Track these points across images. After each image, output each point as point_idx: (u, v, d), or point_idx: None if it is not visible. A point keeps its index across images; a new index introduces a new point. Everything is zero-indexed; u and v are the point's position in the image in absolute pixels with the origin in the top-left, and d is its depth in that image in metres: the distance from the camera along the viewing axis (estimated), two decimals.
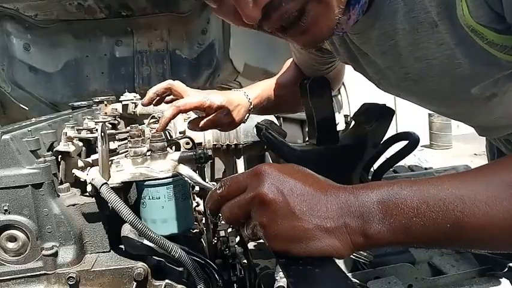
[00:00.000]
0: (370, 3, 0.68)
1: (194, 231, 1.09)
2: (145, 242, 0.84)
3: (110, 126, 1.24)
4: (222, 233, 1.12)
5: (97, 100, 1.48)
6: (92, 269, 0.84)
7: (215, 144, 1.39)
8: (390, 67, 0.78)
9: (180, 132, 1.27)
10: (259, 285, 0.90)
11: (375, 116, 1.02)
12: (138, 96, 1.51)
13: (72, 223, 0.85)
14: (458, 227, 0.46)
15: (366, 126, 1.02)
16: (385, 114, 1.02)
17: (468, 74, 0.67)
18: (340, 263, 0.86)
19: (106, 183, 0.83)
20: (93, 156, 0.98)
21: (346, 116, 2.56)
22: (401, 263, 0.88)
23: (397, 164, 1.18)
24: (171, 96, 1.01)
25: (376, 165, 1.12)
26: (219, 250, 1.11)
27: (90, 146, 1.04)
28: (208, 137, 1.38)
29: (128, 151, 0.93)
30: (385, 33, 0.71)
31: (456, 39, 0.63)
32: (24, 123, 1.00)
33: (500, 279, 0.89)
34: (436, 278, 0.90)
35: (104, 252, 0.89)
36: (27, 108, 2.11)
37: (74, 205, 0.87)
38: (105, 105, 1.47)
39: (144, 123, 1.30)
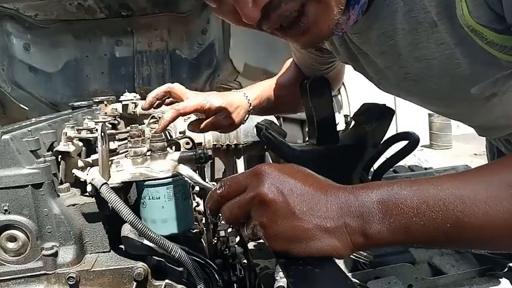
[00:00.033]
0: (370, 3, 0.68)
1: (194, 231, 1.09)
2: (145, 242, 0.84)
3: (110, 126, 1.24)
4: (222, 233, 1.12)
5: (97, 100, 1.48)
6: (92, 269, 0.84)
7: (215, 144, 1.39)
8: (390, 67, 0.78)
9: (180, 133, 1.27)
10: (259, 285, 0.90)
11: (375, 116, 1.02)
12: (138, 96, 1.51)
13: (72, 223, 0.85)
14: (458, 227, 0.46)
15: (366, 126, 1.02)
16: (385, 114, 1.02)
17: (468, 73, 0.67)
18: (340, 263, 0.86)
19: (106, 183, 0.83)
20: (93, 156, 0.98)
21: (346, 116, 2.56)
22: (401, 263, 0.88)
23: (397, 164, 1.18)
24: (171, 99, 1.01)
25: (376, 165, 1.12)
26: (219, 250, 1.11)
27: (90, 146, 1.04)
28: (208, 137, 1.39)
29: (127, 151, 0.93)
30: (385, 33, 0.71)
31: (456, 39, 0.63)
32: (24, 123, 1.00)
33: (500, 279, 0.89)
34: (436, 278, 0.90)
35: (104, 252, 0.89)
36: (27, 108, 2.11)
37: (74, 205, 0.87)
38: (105, 105, 1.47)
39: (144, 123, 1.31)
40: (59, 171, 0.92)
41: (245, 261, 1.02)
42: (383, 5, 0.67)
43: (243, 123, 1.08)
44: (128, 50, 2.14)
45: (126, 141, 1.05)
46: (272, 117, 1.48)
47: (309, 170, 0.56)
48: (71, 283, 0.82)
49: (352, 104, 2.62)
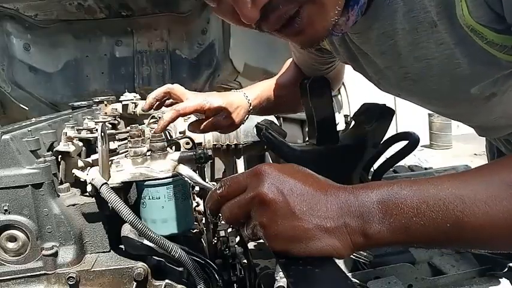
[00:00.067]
0: (370, 3, 0.68)
1: (194, 231, 1.09)
2: (145, 242, 0.84)
3: (110, 126, 1.24)
4: (222, 233, 1.12)
5: (97, 100, 1.48)
6: (92, 269, 0.84)
7: (215, 144, 1.39)
8: (390, 67, 0.78)
9: (180, 133, 1.27)
10: (259, 285, 0.90)
11: (375, 116, 1.02)
12: (138, 96, 1.51)
13: (72, 223, 0.85)
14: (458, 227, 0.46)
15: (366, 126, 1.02)
16: (385, 114, 1.02)
17: (467, 73, 0.67)
18: (340, 263, 0.86)
19: (106, 183, 0.83)
20: (93, 156, 0.98)
21: (346, 116, 2.56)
22: (401, 263, 0.88)
23: (397, 164, 1.18)
24: (171, 100, 1.01)
25: (376, 165, 1.12)
26: (219, 250, 1.11)
27: (90, 146, 1.04)
28: (208, 137, 1.38)
29: (128, 151, 0.93)
30: (385, 33, 0.71)
31: (456, 39, 0.63)
32: (24, 123, 1.00)
33: (500, 279, 0.89)
34: (436, 278, 0.90)
35: (104, 252, 0.89)
36: (27, 108, 2.11)
37: (74, 205, 0.87)
38: (105, 105, 1.47)
39: (144, 123, 1.31)
40: (59, 171, 0.92)
41: (245, 261, 1.02)
42: (383, 5, 0.67)
43: (243, 123, 1.08)
44: (128, 50, 2.14)
45: (126, 141, 1.05)
46: (272, 117, 1.48)
47: (309, 170, 0.56)
48: (71, 283, 0.82)
49: (352, 104, 2.62)
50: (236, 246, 1.08)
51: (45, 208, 0.83)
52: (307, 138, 1.12)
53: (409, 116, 5.55)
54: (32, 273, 0.83)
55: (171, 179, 0.88)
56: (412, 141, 1.02)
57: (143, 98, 1.33)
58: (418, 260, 0.93)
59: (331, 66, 1.09)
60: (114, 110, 1.46)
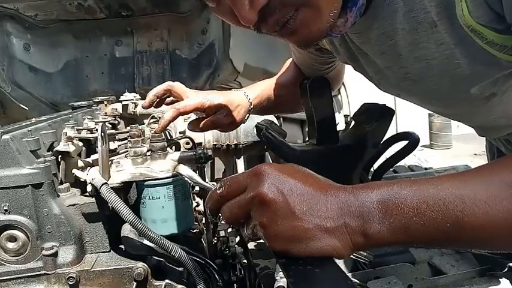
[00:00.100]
0: (369, 3, 0.68)
1: (194, 231, 1.09)
2: (145, 242, 0.84)
3: (110, 126, 1.24)
4: (222, 233, 1.12)
5: (97, 100, 1.48)
6: (92, 269, 0.84)
7: (215, 144, 1.39)
8: (390, 67, 0.78)
9: (180, 132, 1.27)
10: (259, 285, 0.90)
11: (375, 116, 1.02)
12: (138, 96, 1.51)
13: (72, 223, 0.85)
14: (458, 227, 0.46)
15: (366, 126, 1.02)
16: (385, 114, 1.02)
17: (467, 73, 0.67)
18: (340, 263, 0.86)
19: (106, 183, 0.83)
20: (93, 156, 0.98)
21: (346, 116, 2.56)
22: (401, 263, 0.88)
23: (397, 164, 1.18)
24: (171, 98, 1.01)
25: (376, 165, 1.12)
26: (219, 250, 1.11)
27: (90, 146, 1.04)
28: (208, 137, 1.38)
29: (128, 151, 0.93)
30: (385, 33, 0.71)
31: (456, 39, 0.63)
32: (24, 123, 1.00)
33: (500, 279, 0.89)
34: (436, 278, 0.90)
35: (104, 252, 0.89)
36: (27, 108, 2.11)
37: (74, 205, 0.87)
38: (105, 105, 1.47)
39: (144, 123, 1.30)
40: (59, 171, 0.92)
41: (245, 261, 1.02)
42: (383, 5, 0.67)
43: (244, 122, 1.08)
44: (128, 50, 2.14)
45: (126, 141, 1.05)
46: (272, 117, 1.48)
47: (309, 170, 0.56)
48: (71, 283, 0.82)
49: (352, 104, 2.62)
50: (236, 246, 1.08)
51: (45, 208, 0.83)
52: (307, 138, 1.12)
53: (409, 116, 5.54)
54: (32, 273, 0.83)
55: (171, 179, 0.88)
56: (412, 141, 1.02)
57: (143, 98, 1.32)
58: (418, 260, 0.93)
59: (331, 66, 1.09)
60: (114, 110, 1.46)
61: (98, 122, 1.13)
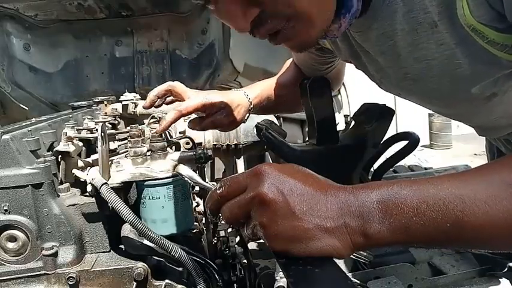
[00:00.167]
0: (368, 3, 0.68)
1: (194, 231, 1.09)
2: (145, 242, 0.84)
3: (110, 126, 1.24)
4: (222, 233, 1.12)
5: (97, 100, 1.48)
6: (92, 269, 0.84)
7: (215, 144, 1.39)
8: (390, 67, 0.78)
9: (180, 132, 1.27)
10: (259, 285, 0.90)
11: (375, 116, 1.02)
12: (138, 96, 1.51)
13: (72, 223, 0.85)
14: (458, 227, 0.46)
15: (366, 126, 1.02)
16: (385, 114, 1.02)
17: (468, 73, 0.67)
18: (340, 263, 0.86)
19: (106, 183, 0.83)
20: (93, 156, 0.98)
21: (346, 116, 2.56)
22: (401, 263, 0.88)
23: (397, 164, 1.18)
24: (172, 98, 1.01)
25: (376, 165, 1.12)
26: (219, 250, 1.11)
27: (90, 146, 1.04)
28: (208, 137, 1.38)
29: (128, 151, 0.93)
30: (384, 33, 0.71)
31: (456, 39, 0.63)
32: (24, 123, 1.00)
33: (500, 279, 0.89)
34: (436, 278, 0.90)
35: (104, 252, 0.89)
36: (27, 108, 2.11)
37: (74, 205, 0.87)
38: (105, 105, 1.47)
39: (144, 123, 1.30)
40: (59, 171, 0.92)
41: (245, 261, 1.02)
42: (382, 6, 0.67)
43: (244, 122, 1.08)
44: (128, 50, 2.14)
45: (126, 141, 1.05)
46: (272, 117, 1.48)
47: (309, 170, 0.56)
48: (71, 283, 0.82)
49: (352, 104, 2.62)
50: (236, 246, 1.08)
51: (45, 208, 0.83)
52: (307, 138, 1.12)
53: (409, 116, 5.55)
54: (32, 273, 0.83)
55: (171, 179, 0.88)
56: (412, 141, 1.02)
57: (143, 98, 1.32)
58: (418, 260, 0.93)
59: (331, 66, 1.09)
60: (114, 110, 1.46)
61: (98, 122, 1.13)
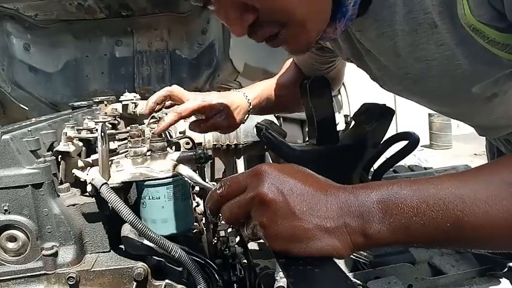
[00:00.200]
0: (368, 4, 0.68)
1: (194, 231, 1.09)
2: (145, 242, 0.84)
3: (110, 126, 1.24)
4: (222, 233, 1.12)
5: (97, 100, 1.48)
6: (92, 269, 0.84)
7: (215, 144, 1.39)
8: (390, 67, 0.78)
9: (180, 132, 1.27)
10: (259, 285, 0.90)
11: (375, 116, 1.02)
12: (138, 96, 1.51)
13: (72, 223, 0.85)
14: (458, 226, 0.46)
15: (366, 126, 1.02)
16: (385, 114, 1.02)
17: (468, 74, 0.67)
18: (340, 263, 0.86)
19: (106, 183, 0.83)
20: (93, 156, 0.98)
21: (346, 116, 2.56)
22: (401, 263, 0.88)
23: (397, 164, 1.18)
24: (170, 102, 1.01)
25: (376, 165, 1.12)
26: (219, 250, 1.11)
27: (90, 146, 1.04)
28: (208, 137, 1.39)
29: (128, 151, 0.93)
30: (384, 33, 0.71)
31: (457, 39, 0.63)
32: (24, 123, 1.00)
33: (500, 279, 0.89)
34: (436, 278, 0.90)
35: (104, 252, 0.89)
36: (27, 108, 2.11)
37: (74, 205, 0.87)
38: (105, 105, 1.47)
39: (144, 123, 1.30)
40: (59, 171, 0.92)
41: (245, 261, 1.02)
42: (382, 6, 0.67)
43: (243, 123, 1.08)
44: (128, 50, 2.14)
45: (126, 141, 1.05)
46: (272, 117, 1.48)
47: (309, 170, 0.56)
48: (71, 283, 0.82)
49: (352, 104, 2.62)
50: (236, 246, 1.08)
51: (45, 208, 0.83)
52: (307, 138, 1.12)
53: (409, 116, 5.55)
54: (32, 273, 0.83)
55: (171, 179, 0.88)
56: (412, 141, 1.02)
57: (143, 98, 1.33)
58: (418, 260, 0.93)
59: (331, 66, 1.09)
60: (114, 110, 1.45)
61: (98, 122, 1.13)
